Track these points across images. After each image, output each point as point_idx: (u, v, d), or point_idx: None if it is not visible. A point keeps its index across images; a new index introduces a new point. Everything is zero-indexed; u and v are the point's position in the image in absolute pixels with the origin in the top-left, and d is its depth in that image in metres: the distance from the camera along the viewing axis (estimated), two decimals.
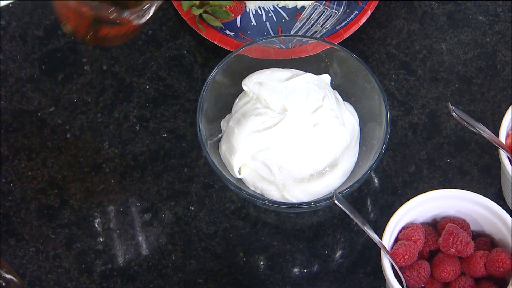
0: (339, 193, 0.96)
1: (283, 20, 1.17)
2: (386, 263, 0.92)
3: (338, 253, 1.04)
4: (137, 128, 1.11)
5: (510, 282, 0.90)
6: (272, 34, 1.15)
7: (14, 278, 0.90)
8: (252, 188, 1.02)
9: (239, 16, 1.17)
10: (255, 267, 1.04)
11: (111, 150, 1.10)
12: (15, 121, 1.12)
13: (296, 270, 1.04)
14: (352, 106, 1.06)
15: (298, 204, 1.00)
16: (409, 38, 1.16)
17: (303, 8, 1.17)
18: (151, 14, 0.89)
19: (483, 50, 1.15)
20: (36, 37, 1.17)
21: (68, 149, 1.10)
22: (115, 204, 1.07)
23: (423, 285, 0.94)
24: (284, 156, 1.00)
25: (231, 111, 1.05)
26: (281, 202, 1.00)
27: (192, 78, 1.14)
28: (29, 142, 1.10)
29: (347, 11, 1.14)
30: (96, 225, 1.06)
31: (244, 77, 1.04)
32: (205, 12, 1.14)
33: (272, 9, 1.18)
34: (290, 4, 1.17)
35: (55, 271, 1.03)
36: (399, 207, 0.94)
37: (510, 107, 0.99)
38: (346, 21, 1.13)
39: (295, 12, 1.17)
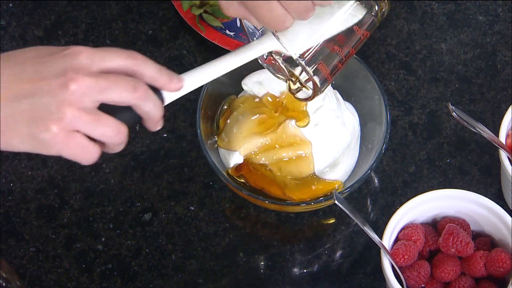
0: (339, 193, 0.96)
1: None
2: (386, 263, 0.92)
3: (338, 253, 1.04)
4: (137, 128, 1.11)
5: (510, 282, 0.90)
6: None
7: (14, 278, 0.91)
8: None
9: None
10: (255, 267, 1.04)
11: None
12: None
13: (296, 270, 1.04)
14: (352, 106, 1.06)
15: (298, 204, 1.00)
16: (409, 38, 1.16)
17: None
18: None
19: (483, 50, 1.15)
20: (36, 37, 1.17)
21: None
22: (115, 204, 1.07)
23: (423, 285, 0.94)
24: (284, 156, 1.00)
25: None
26: (281, 202, 1.00)
27: None
28: None
29: None
30: (96, 225, 1.06)
31: (244, 77, 1.04)
32: (205, 12, 1.14)
33: None
34: None
35: (55, 271, 1.03)
36: (399, 207, 0.94)
37: (510, 107, 0.99)
38: None
39: None
